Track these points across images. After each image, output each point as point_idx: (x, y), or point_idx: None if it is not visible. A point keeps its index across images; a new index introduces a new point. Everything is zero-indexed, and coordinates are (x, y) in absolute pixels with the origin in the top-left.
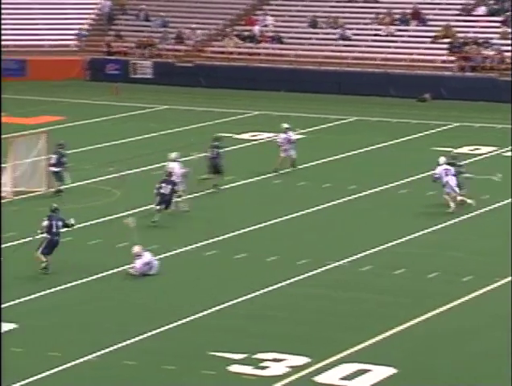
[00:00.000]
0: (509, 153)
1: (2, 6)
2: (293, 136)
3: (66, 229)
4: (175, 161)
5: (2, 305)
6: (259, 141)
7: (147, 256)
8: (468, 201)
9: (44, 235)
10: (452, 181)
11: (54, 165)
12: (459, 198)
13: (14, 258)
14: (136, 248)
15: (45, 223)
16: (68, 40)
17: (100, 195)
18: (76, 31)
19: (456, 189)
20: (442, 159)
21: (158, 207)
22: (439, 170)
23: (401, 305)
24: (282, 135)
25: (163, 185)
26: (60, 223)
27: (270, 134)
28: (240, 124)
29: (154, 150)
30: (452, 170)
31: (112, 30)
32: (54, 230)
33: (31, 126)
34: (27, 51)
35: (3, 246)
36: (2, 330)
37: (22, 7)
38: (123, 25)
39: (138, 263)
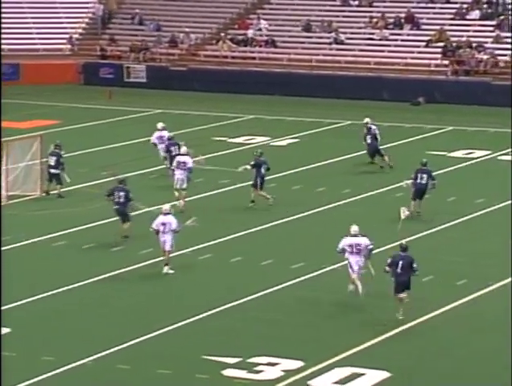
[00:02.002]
0: (503, 157)
1: None
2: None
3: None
4: (187, 154)
5: None
6: (253, 144)
7: (166, 218)
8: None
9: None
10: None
11: (54, 167)
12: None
13: (9, 263)
14: (166, 206)
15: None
16: (62, 44)
17: (94, 198)
18: (69, 36)
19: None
20: None
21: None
22: None
23: (395, 309)
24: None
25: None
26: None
27: (264, 138)
28: (234, 128)
29: (148, 154)
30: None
31: (106, 33)
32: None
33: (25, 130)
34: (21, 55)
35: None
36: None
37: (16, 11)
38: (117, 29)
39: (156, 221)
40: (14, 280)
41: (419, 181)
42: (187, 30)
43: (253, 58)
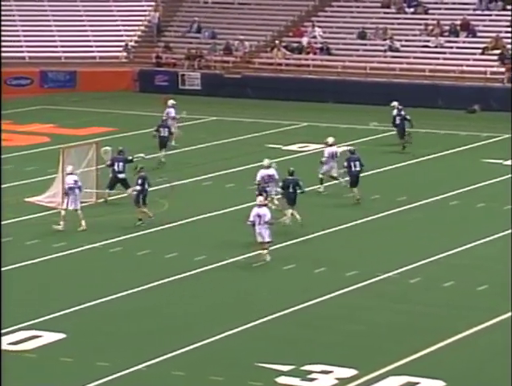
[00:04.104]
0: None
1: (53, 18)
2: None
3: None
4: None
5: (50, 316)
6: (307, 152)
7: (261, 210)
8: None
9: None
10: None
11: (121, 172)
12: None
13: (65, 269)
14: (260, 198)
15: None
16: (118, 52)
17: (148, 205)
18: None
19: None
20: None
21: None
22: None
23: (450, 318)
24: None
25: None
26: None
27: (318, 146)
28: (288, 135)
29: (202, 161)
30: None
31: (161, 41)
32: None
33: (81, 137)
34: (77, 63)
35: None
36: (52, 340)
37: (73, 19)
38: (172, 36)
39: (252, 212)
40: (70, 285)
41: (353, 169)
42: (241, 37)
43: (308, 65)
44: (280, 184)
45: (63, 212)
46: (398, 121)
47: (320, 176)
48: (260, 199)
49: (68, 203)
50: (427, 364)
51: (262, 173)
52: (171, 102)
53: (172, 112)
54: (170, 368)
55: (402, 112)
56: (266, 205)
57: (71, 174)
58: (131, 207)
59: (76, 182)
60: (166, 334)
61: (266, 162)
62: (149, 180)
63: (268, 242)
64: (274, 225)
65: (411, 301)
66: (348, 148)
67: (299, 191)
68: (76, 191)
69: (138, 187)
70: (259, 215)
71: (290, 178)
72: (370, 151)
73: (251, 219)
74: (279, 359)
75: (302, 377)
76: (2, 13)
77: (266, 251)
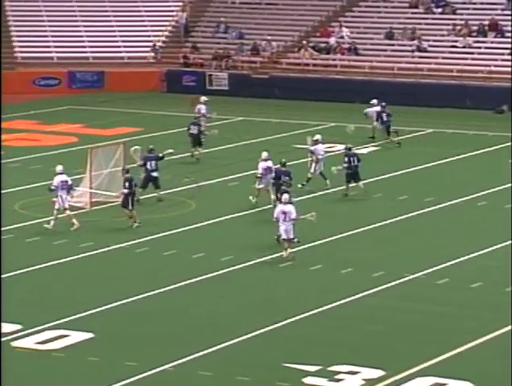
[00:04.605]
0: None
1: (82, 18)
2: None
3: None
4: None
5: (78, 315)
6: (334, 152)
7: (286, 208)
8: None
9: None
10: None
11: (154, 170)
12: None
13: (89, 269)
14: (285, 196)
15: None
16: (146, 52)
17: (175, 205)
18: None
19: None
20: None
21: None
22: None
23: (478, 319)
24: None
25: None
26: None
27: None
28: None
29: (230, 161)
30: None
31: (188, 41)
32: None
33: (109, 137)
34: (105, 63)
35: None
36: (79, 340)
37: (101, 19)
38: (200, 37)
39: (277, 209)
40: (97, 285)
41: (352, 164)
42: (269, 38)
43: (335, 66)
44: (272, 174)
45: (55, 212)
46: (385, 118)
47: (309, 175)
48: (285, 196)
49: (59, 203)
50: (454, 365)
51: (262, 165)
52: (203, 98)
53: (203, 108)
54: (197, 368)
55: (386, 109)
56: (291, 203)
57: (60, 173)
58: (158, 208)
59: (65, 182)
60: (193, 334)
61: (264, 154)
62: (135, 182)
63: (292, 239)
64: (301, 223)
65: (439, 302)
66: (345, 145)
67: (287, 182)
68: (65, 191)
69: (126, 190)
70: (284, 212)
71: (282, 169)
72: (398, 151)
73: (275, 216)
74: (306, 360)
75: (329, 378)
76: (31, 13)
77: (288, 249)
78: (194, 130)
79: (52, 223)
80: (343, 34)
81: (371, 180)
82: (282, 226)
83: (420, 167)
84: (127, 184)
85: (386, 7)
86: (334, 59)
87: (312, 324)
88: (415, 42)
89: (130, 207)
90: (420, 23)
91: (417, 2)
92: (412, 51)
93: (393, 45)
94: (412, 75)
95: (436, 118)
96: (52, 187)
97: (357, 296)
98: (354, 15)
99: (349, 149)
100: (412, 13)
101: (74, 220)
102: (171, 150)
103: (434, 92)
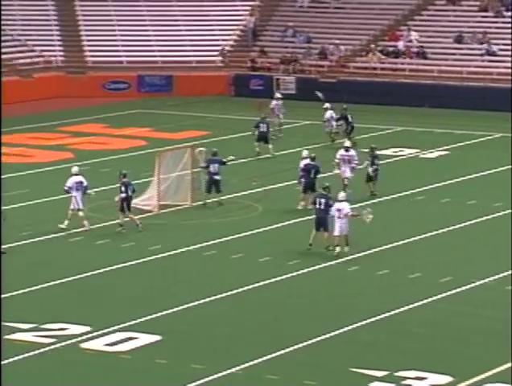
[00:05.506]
0: None
1: (151, 22)
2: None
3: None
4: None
5: (146, 318)
6: (402, 157)
7: (340, 205)
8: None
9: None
10: None
11: (217, 173)
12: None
13: (159, 272)
14: (342, 194)
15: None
16: (214, 56)
17: (243, 209)
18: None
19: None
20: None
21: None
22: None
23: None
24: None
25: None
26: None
27: (414, 150)
28: (383, 139)
29: (297, 165)
30: None
31: (256, 45)
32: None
33: (177, 141)
34: (174, 67)
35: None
36: (147, 342)
37: (170, 23)
38: (267, 41)
39: (332, 207)
40: (165, 288)
41: (377, 166)
42: (337, 41)
43: (403, 70)
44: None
45: (70, 212)
46: (350, 120)
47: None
48: (342, 194)
49: (73, 203)
50: None
51: (304, 162)
52: (277, 95)
53: (278, 104)
54: (264, 372)
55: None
56: (346, 201)
57: (76, 174)
58: (224, 211)
59: (80, 183)
60: (260, 338)
61: (305, 153)
62: (133, 186)
63: (346, 235)
64: (370, 228)
65: (508, 308)
66: (372, 145)
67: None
68: (80, 192)
69: (123, 195)
70: (339, 210)
71: (311, 163)
72: (466, 156)
73: (331, 213)
74: (373, 365)
75: (396, 383)
76: (102, 18)
77: (338, 245)
78: (263, 128)
79: (66, 222)
80: (411, 38)
81: (439, 185)
82: (337, 222)
83: (489, 172)
84: (123, 188)
85: (455, 11)
86: (402, 63)
87: (379, 329)
88: (485, 46)
89: (127, 211)
90: (490, 27)
91: (486, 6)
92: (481, 55)
93: (462, 49)
94: (481, 79)
95: (506, 122)
96: (65, 188)
97: (425, 301)
98: (423, 19)
99: (373, 149)
100: (482, 16)
101: (85, 222)
102: (232, 157)
103: (503, 96)
